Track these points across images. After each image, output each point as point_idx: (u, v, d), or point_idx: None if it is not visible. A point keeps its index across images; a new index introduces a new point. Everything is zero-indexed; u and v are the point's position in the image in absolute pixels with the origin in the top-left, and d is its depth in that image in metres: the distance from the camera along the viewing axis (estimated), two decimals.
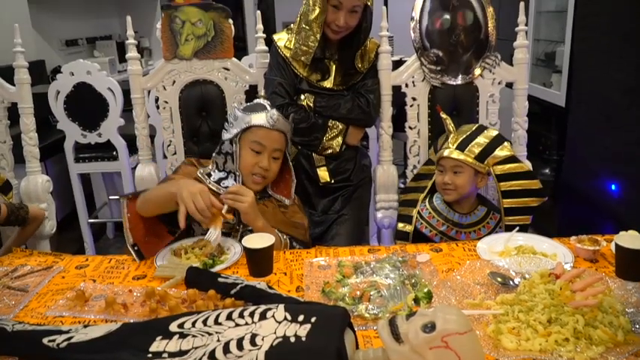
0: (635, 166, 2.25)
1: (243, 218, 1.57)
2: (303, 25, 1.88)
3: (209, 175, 1.72)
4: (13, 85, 2.10)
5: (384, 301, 1.21)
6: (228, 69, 2.13)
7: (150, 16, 5.74)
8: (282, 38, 1.98)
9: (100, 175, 3.56)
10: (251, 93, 2.11)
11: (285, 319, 0.93)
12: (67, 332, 1.02)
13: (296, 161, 1.94)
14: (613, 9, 2.38)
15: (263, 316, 0.94)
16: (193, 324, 0.97)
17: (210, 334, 0.94)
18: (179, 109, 2.14)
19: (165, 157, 2.23)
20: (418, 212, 1.87)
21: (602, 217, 2.50)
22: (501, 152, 1.76)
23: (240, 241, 1.51)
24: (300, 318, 0.92)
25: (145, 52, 5.71)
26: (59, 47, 4.55)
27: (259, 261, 1.40)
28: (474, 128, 1.81)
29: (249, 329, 0.92)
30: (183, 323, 0.98)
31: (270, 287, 1.21)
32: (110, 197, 3.61)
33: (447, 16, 2.02)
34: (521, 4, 2.01)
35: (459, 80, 2.07)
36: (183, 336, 0.95)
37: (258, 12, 2.18)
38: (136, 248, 1.54)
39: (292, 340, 0.88)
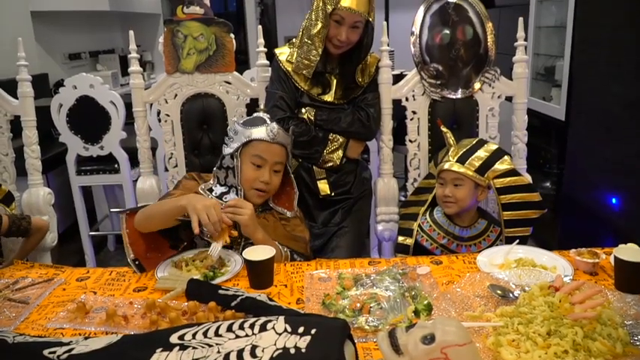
0: (635, 178, 2.25)
1: (243, 231, 1.57)
2: (306, 40, 1.90)
3: (210, 190, 1.72)
4: (17, 98, 2.13)
5: (384, 313, 1.21)
6: (229, 82, 2.15)
7: (152, 30, 5.80)
8: (283, 52, 2.00)
9: (101, 187, 3.56)
10: (252, 106, 2.12)
11: (286, 330, 0.93)
12: (68, 344, 1.01)
13: (296, 174, 1.95)
14: (612, 23, 2.40)
15: (263, 328, 0.95)
16: (194, 336, 0.97)
17: (210, 345, 0.94)
18: (180, 122, 2.16)
19: (166, 169, 2.24)
20: (419, 225, 1.88)
21: (602, 229, 2.50)
22: (501, 166, 1.77)
23: (241, 253, 1.52)
24: (301, 330, 0.92)
25: (147, 65, 5.75)
26: (62, 61, 4.58)
27: (260, 273, 1.40)
28: (474, 142, 1.82)
29: (249, 341, 0.92)
30: (184, 335, 0.98)
31: (270, 299, 1.21)
32: (111, 210, 3.61)
33: (447, 31, 2.05)
34: (520, 20, 2.04)
35: (458, 94, 2.08)
36: (183, 348, 0.95)
37: (259, 27, 2.21)
38: (136, 262, 1.54)
39: (292, 351, 0.88)
